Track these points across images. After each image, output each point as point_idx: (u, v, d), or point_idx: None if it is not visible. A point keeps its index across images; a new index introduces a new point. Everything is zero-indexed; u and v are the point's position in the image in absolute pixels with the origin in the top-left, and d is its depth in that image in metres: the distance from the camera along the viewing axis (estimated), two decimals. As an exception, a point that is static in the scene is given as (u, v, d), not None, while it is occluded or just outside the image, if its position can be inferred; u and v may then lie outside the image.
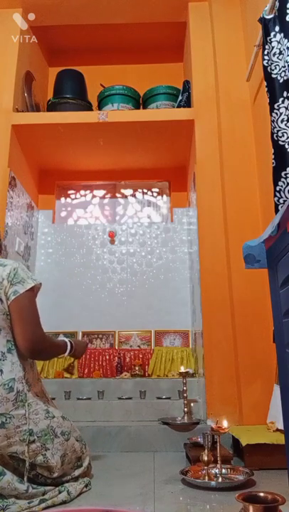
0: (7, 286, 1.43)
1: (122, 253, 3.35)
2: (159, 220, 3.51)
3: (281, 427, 1.81)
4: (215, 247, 2.49)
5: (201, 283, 2.46)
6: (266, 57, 1.91)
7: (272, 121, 1.81)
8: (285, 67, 1.79)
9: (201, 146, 2.71)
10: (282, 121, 1.78)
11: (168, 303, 3.19)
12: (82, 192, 3.63)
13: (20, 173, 2.97)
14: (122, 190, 3.61)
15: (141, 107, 3.21)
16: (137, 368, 2.89)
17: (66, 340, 1.64)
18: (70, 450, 1.48)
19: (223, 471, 1.61)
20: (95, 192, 3.62)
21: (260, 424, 2.07)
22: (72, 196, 3.62)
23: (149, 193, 3.61)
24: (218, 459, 1.58)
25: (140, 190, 3.60)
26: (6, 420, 1.35)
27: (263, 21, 1.98)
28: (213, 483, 1.50)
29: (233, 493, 1.23)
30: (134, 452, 2.07)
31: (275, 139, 1.80)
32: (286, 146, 1.75)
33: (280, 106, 1.79)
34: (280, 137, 1.78)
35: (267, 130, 2.02)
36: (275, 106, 1.81)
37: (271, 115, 1.83)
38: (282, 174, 1.75)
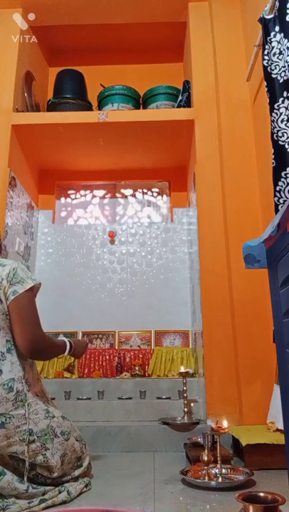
0: (6, 286, 1.43)
1: (122, 253, 3.35)
2: (159, 220, 3.51)
3: (281, 427, 1.82)
4: (215, 247, 2.49)
5: (201, 283, 2.46)
6: (266, 57, 1.91)
7: (272, 121, 1.81)
8: (285, 67, 1.79)
9: (201, 146, 2.71)
10: (282, 121, 1.78)
11: (168, 303, 3.19)
12: (82, 192, 3.63)
13: (20, 173, 2.97)
14: (122, 190, 3.61)
15: (141, 107, 3.21)
16: (137, 368, 2.88)
17: (65, 340, 1.64)
18: (70, 450, 1.48)
19: (223, 471, 1.61)
20: (95, 192, 3.62)
21: (260, 424, 2.07)
22: (72, 196, 3.62)
23: (149, 193, 3.61)
24: (218, 459, 1.58)
25: (140, 190, 3.60)
26: (6, 420, 1.35)
27: (262, 21, 1.98)
28: (213, 483, 1.50)
29: (233, 493, 1.23)
30: (134, 452, 2.07)
31: (275, 139, 1.80)
32: (286, 146, 1.75)
33: (280, 106, 1.80)
34: (280, 137, 1.78)
35: (267, 130, 2.02)
36: (275, 106, 1.82)
37: (271, 115, 1.83)
38: (282, 174, 1.75)
